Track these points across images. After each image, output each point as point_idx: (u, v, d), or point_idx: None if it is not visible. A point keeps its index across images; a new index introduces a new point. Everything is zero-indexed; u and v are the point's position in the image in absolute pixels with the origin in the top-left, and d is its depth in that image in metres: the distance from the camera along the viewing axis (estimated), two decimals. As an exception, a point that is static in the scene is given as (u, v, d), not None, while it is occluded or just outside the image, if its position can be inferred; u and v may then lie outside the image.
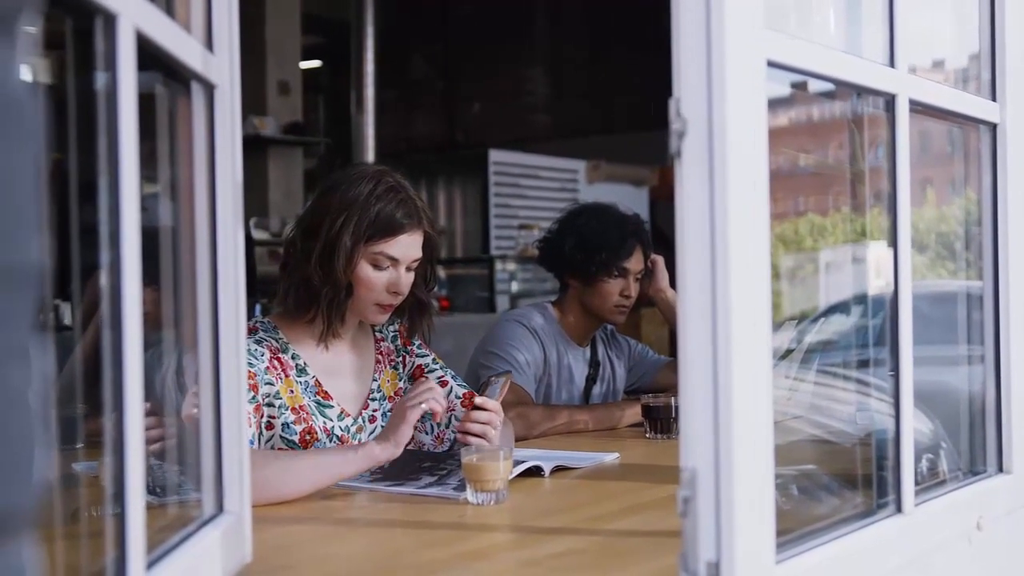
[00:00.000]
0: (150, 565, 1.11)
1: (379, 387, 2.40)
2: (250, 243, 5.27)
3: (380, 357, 2.43)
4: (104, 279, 1.04)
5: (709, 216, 1.19)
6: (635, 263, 3.07)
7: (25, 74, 0.62)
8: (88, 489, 1.50)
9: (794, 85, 1.50)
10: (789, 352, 2.27)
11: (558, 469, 2.22)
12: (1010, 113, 1.85)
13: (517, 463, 2.08)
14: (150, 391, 1.10)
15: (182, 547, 1.24)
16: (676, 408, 2.70)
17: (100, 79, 1.04)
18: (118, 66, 1.02)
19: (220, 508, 1.40)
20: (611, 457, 2.40)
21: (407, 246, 2.25)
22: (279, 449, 2.19)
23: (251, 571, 1.45)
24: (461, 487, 1.95)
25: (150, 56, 1.13)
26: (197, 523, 1.35)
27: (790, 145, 1.85)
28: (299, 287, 2.24)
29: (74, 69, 1.09)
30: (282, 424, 2.20)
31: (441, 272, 7.81)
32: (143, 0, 1.08)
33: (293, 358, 2.27)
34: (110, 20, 1.01)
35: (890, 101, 1.55)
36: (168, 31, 1.18)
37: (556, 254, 3.13)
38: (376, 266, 2.23)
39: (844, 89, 1.63)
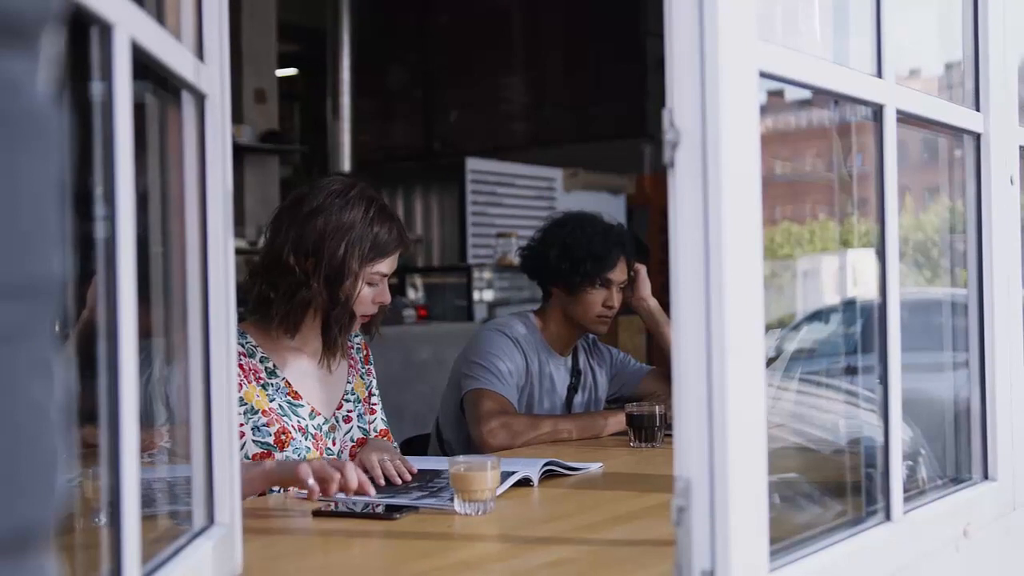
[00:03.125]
0: (144, 578, 1.10)
1: (352, 389, 2.47)
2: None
3: (352, 362, 2.50)
4: (99, 289, 1.03)
5: (703, 225, 1.19)
6: (619, 274, 3.08)
7: (48, 86, 0.61)
8: (74, 501, 1.48)
9: (770, 92, 1.51)
10: (771, 360, 2.28)
11: (548, 474, 2.23)
12: (993, 122, 1.86)
13: (505, 475, 2.08)
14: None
15: (174, 559, 1.23)
16: (660, 416, 2.70)
17: (95, 88, 1.03)
18: (114, 76, 1.02)
19: (211, 520, 1.39)
20: (595, 467, 2.40)
21: (395, 261, 2.37)
22: (253, 456, 2.21)
23: (241, 583, 1.44)
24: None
25: (141, 65, 1.13)
26: (188, 535, 1.34)
27: (766, 152, 1.86)
28: (301, 308, 2.29)
29: (67, 78, 1.08)
30: (253, 428, 2.23)
31: (418, 281, 7.80)
32: (138, 10, 1.08)
33: (261, 361, 2.32)
34: (106, 30, 1.00)
35: (878, 111, 1.56)
36: (162, 41, 1.18)
37: (539, 263, 3.13)
38: (370, 284, 2.33)
39: (821, 97, 1.64)
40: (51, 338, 0.61)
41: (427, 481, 2.17)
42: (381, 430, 2.49)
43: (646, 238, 7.86)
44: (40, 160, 0.59)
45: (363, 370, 2.53)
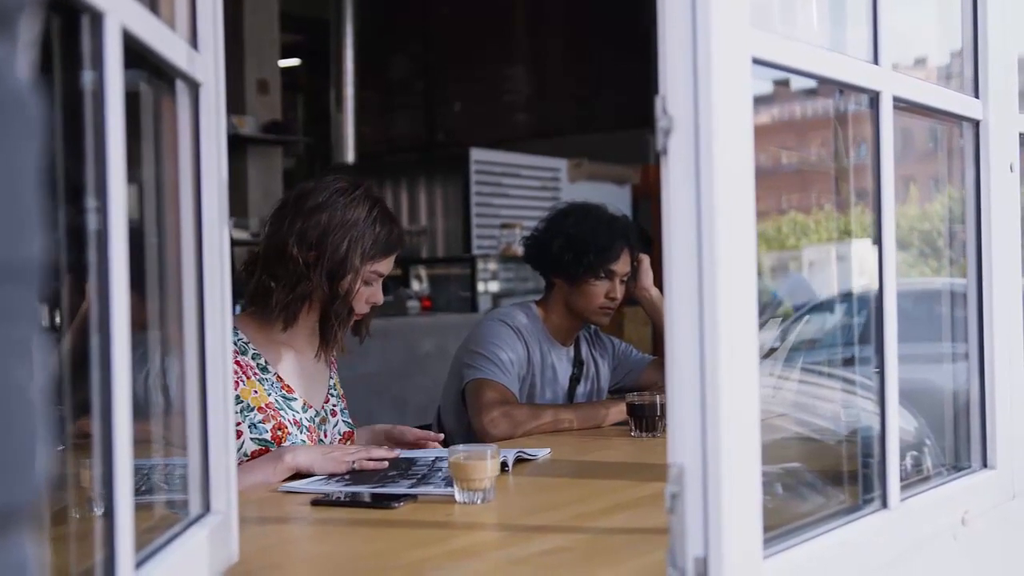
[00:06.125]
0: (138, 565, 1.10)
1: (334, 385, 2.52)
2: (229, 243, 5.37)
3: (333, 360, 2.54)
4: (90, 281, 1.04)
5: (695, 213, 1.19)
6: (622, 266, 3.07)
7: (26, 71, 0.61)
8: (69, 491, 1.49)
9: (776, 82, 1.51)
10: (773, 350, 2.27)
11: (519, 461, 2.28)
12: (992, 110, 1.86)
13: None
14: (133, 392, 1.10)
15: (169, 547, 1.24)
16: (661, 406, 2.70)
17: (86, 77, 1.03)
18: (105, 64, 1.02)
19: (207, 508, 1.39)
20: (543, 452, 2.42)
21: (392, 263, 2.42)
22: (252, 452, 2.23)
23: (238, 571, 1.45)
24: (449, 483, 1.94)
25: (135, 54, 1.13)
26: (184, 523, 1.34)
27: (773, 143, 1.85)
28: (300, 300, 2.33)
29: (59, 67, 1.08)
30: (249, 425, 2.26)
31: (422, 272, 7.81)
32: (129, -2, 1.08)
33: (253, 358, 2.34)
34: (97, 18, 1.00)
35: (874, 98, 1.55)
36: (154, 29, 1.18)
37: (543, 253, 3.13)
38: (366, 282, 2.36)
39: (827, 86, 1.64)
40: (32, 321, 0.61)
41: (406, 469, 2.17)
42: (345, 432, 2.51)
43: (651, 229, 7.86)
44: (18, 144, 0.59)
45: (336, 369, 2.58)
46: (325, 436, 2.41)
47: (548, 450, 2.45)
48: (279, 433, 2.28)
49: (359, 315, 2.40)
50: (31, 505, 0.61)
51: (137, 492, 1.17)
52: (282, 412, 2.31)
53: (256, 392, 2.29)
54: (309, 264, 2.30)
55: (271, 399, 2.31)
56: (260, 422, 2.27)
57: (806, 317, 2.41)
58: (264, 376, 2.33)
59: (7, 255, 0.58)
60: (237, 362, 2.28)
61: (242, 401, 2.26)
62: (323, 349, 2.39)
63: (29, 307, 0.61)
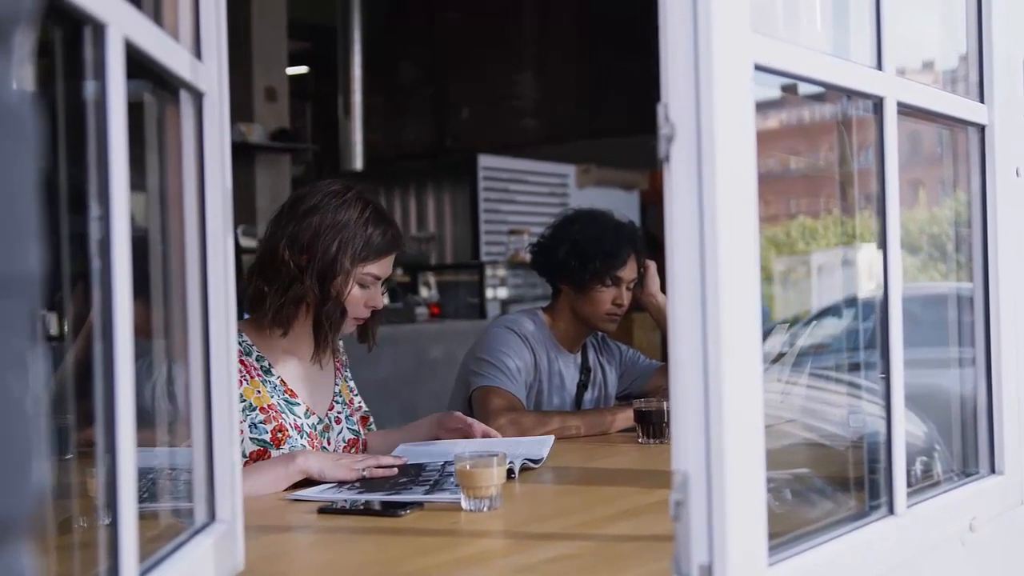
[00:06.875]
0: (143, 574, 1.11)
1: (339, 392, 2.51)
2: (238, 251, 5.37)
3: (339, 366, 2.54)
4: (94, 289, 1.04)
5: (698, 220, 1.19)
6: (628, 272, 3.07)
7: (22, 84, 0.62)
8: (76, 500, 1.49)
9: (784, 88, 1.51)
10: (781, 355, 2.27)
11: (524, 469, 2.27)
12: (998, 114, 1.85)
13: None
14: (140, 401, 1.10)
15: (175, 556, 1.24)
16: (668, 412, 2.70)
17: (89, 87, 1.03)
18: (107, 75, 1.02)
19: (212, 517, 1.40)
20: (548, 440, 2.46)
21: (389, 265, 2.41)
22: (250, 453, 2.25)
23: (244, 580, 1.45)
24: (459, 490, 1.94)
25: (138, 64, 1.13)
26: (189, 532, 1.34)
27: (781, 147, 1.85)
28: (293, 304, 2.32)
29: (62, 77, 1.08)
30: (250, 425, 2.27)
31: (431, 278, 7.80)
32: (132, 9, 1.08)
33: (258, 360, 2.35)
34: (99, 29, 1.01)
35: (878, 104, 1.55)
36: (157, 40, 1.18)
37: (549, 260, 3.13)
38: (361, 285, 2.36)
39: (833, 92, 1.64)
40: (28, 333, 0.61)
41: (416, 476, 2.17)
42: (349, 439, 2.51)
43: (660, 235, 7.84)
44: (14, 157, 0.59)
45: (346, 374, 2.58)
46: (328, 443, 2.41)
47: (551, 438, 2.48)
48: (279, 435, 2.28)
49: (360, 319, 2.39)
50: (28, 516, 0.61)
51: (141, 499, 1.17)
52: (284, 415, 2.31)
53: (259, 392, 2.30)
54: (301, 267, 2.30)
55: (273, 401, 2.31)
56: (261, 422, 2.27)
57: (814, 322, 2.40)
58: (267, 378, 2.33)
59: (3, 268, 0.58)
60: (241, 361, 2.29)
61: (244, 400, 2.26)
62: (317, 353, 2.39)
63: (24, 319, 0.61)
